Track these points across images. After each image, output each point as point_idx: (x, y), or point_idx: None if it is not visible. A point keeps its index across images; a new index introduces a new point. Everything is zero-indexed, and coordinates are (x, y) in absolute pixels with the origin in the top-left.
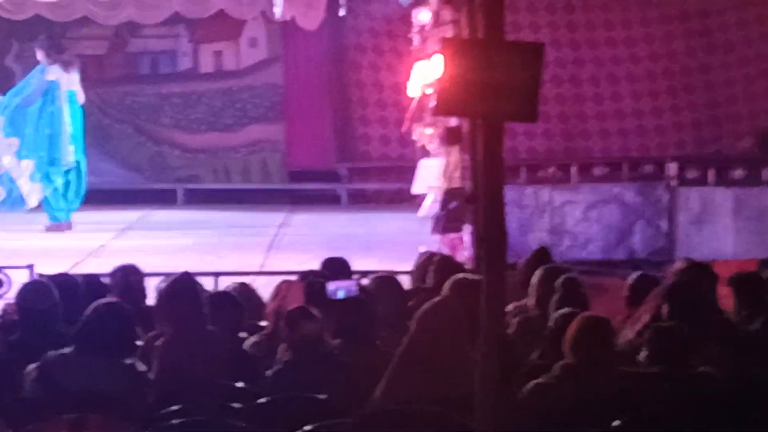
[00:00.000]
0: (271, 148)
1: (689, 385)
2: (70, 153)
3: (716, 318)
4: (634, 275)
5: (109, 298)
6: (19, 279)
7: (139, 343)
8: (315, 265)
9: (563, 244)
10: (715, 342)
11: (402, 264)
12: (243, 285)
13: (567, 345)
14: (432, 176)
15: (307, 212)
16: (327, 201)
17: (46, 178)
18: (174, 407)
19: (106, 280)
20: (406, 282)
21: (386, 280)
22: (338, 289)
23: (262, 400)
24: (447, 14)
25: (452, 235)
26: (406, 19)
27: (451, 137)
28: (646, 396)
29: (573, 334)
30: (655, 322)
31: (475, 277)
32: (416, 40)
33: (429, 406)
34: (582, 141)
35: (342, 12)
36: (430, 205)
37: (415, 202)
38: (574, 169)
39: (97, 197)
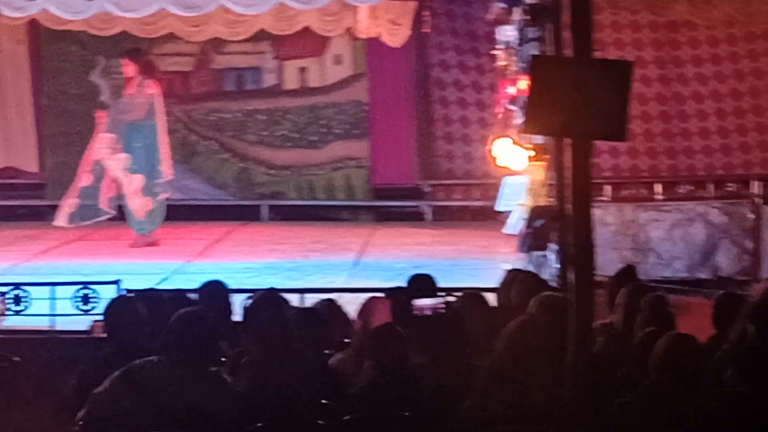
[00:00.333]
0: (355, 165)
1: None
2: (169, 167)
3: None
4: (719, 294)
5: (193, 307)
6: (106, 295)
7: (224, 359)
8: (400, 282)
9: (648, 262)
10: None
11: (486, 281)
12: (329, 301)
13: (653, 363)
14: (517, 194)
15: (392, 229)
16: (411, 218)
17: (151, 192)
18: (260, 424)
19: (192, 296)
20: (490, 300)
21: (473, 297)
22: (424, 306)
23: (348, 417)
24: (532, 32)
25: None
26: (490, 37)
27: (537, 155)
28: (732, 416)
29: (659, 352)
30: (741, 342)
31: (561, 295)
32: (501, 57)
33: (515, 424)
34: (667, 159)
35: (427, 29)
36: (515, 223)
37: (498, 219)
38: (658, 187)
39: (183, 213)
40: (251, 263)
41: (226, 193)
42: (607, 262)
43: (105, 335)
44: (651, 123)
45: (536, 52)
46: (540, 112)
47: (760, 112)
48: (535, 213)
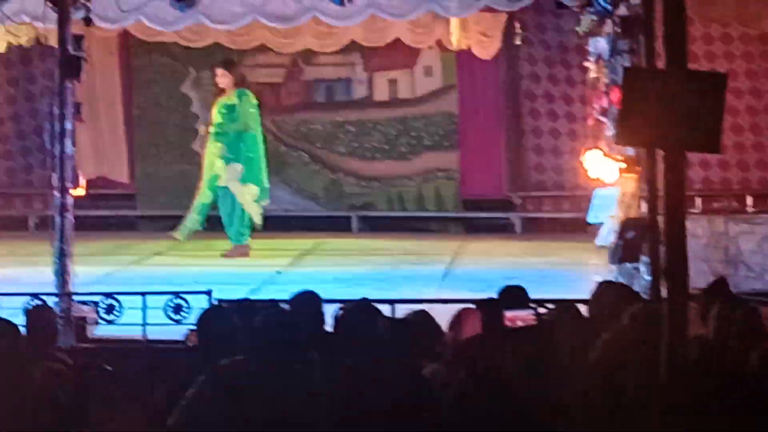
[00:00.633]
0: (445, 176)
1: None
2: (266, 176)
3: None
4: None
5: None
6: (199, 305)
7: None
8: (491, 293)
9: (738, 274)
10: None
11: (577, 293)
12: (422, 312)
13: (746, 377)
14: (608, 206)
15: (481, 240)
16: (501, 229)
17: (257, 200)
18: None
19: (284, 306)
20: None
21: (567, 309)
22: (516, 317)
23: (440, 429)
24: (623, 43)
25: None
26: (581, 48)
27: (628, 166)
28: None
29: (753, 366)
30: None
31: (654, 307)
32: (592, 69)
33: None
34: (759, 171)
35: (517, 41)
36: (607, 235)
37: (589, 231)
38: (749, 200)
39: (273, 224)
40: (341, 274)
41: (316, 204)
42: (697, 275)
43: (197, 344)
44: (742, 135)
45: (628, 64)
46: (632, 124)
47: None
48: (627, 225)
